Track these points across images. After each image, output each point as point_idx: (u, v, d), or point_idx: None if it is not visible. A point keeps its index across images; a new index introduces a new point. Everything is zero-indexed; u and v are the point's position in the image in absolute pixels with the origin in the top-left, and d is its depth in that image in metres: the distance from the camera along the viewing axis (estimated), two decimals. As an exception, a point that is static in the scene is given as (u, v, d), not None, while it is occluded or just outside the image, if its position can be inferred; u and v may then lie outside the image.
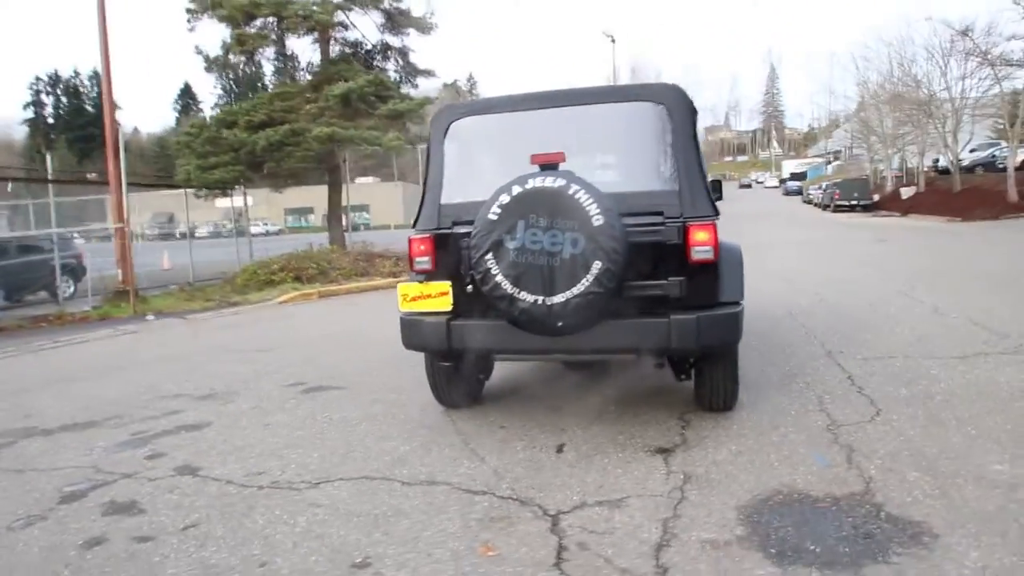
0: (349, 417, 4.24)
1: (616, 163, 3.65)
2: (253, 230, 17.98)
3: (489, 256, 3.21)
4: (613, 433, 3.67)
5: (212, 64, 13.85)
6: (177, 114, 79.34)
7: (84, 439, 4.15)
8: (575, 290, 3.13)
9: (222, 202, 16.40)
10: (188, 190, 13.41)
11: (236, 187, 13.63)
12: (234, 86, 51.82)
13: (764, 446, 3.37)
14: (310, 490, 3.14)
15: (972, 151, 30.61)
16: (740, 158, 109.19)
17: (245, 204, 14.53)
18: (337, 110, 12.60)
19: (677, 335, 3.26)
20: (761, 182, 76.31)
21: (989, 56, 22.08)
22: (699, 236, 3.28)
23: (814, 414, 3.79)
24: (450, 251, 3.58)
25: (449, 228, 3.61)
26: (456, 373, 4.05)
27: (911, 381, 4.29)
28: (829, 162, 64.32)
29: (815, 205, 39.12)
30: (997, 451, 3.13)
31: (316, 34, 13.99)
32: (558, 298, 3.15)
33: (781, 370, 4.72)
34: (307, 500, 3.02)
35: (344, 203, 15.28)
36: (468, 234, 3.50)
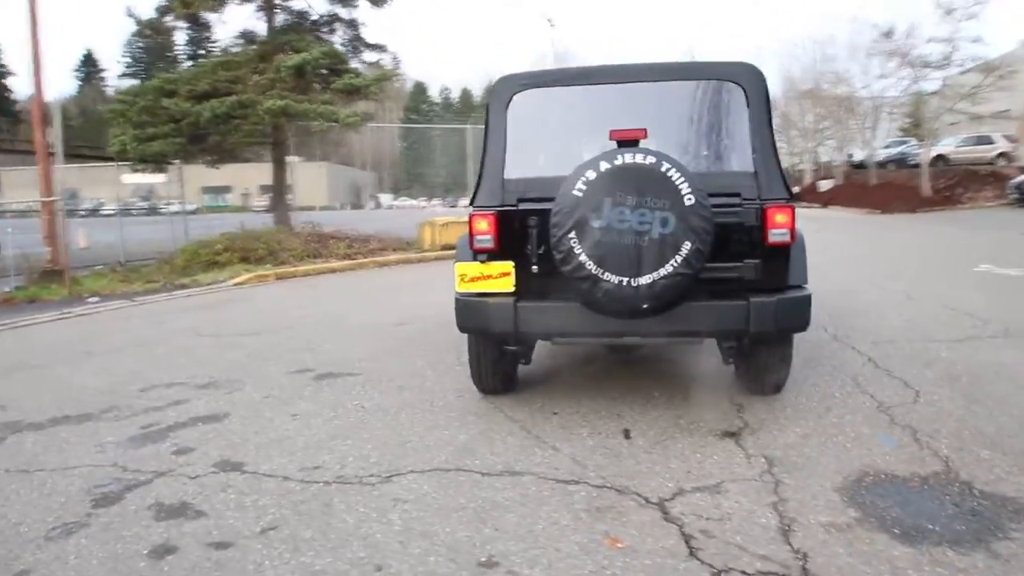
0: (384, 405, 4.00)
1: (692, 142, 3.57)
2: (168, 209, 16.81)
3: (572, 235, 3.07)
4: (672, 418, 3.62)
5: (145, 27, 12.81)
6: (80, 83, 73.72)
7: (86, 434, 3.74)
8: (663, 271, 3.04)
9: (130, 178, 15.25)
10: (123, 163, 12.41)
11: (176, 161, 12.73)
12: (145, 55, 48.48)
13: (827, 428, 3.41)
14: (384, 484, 2.93)
15: (885, 147, 32.59)
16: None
17: (182, 180, 13.57)
18: (289, 82, 11.94)
19: (756, 318, 3.24)
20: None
21: (908, 57, 23.44)
22: (777, 218, 3.25)
23: (858, 396, 3.87)
24: (515, 229, 3.41)
25: (514, 205, 3.43)
26: (501, 358, 3.89)
27: (929, 363, 4.46)
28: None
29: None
30: (1049, 429, 3.28)
31: (261, 0, 13.20)
32: (645, 279, 3.05)
33: (800, 355, 4.79)
34: (388, 495, 2.82)
35: (288, 181, 14.58)
36: (535, 211, 3.35)
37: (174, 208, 15.34)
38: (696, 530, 2.48)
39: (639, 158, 3.04)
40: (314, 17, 14.34)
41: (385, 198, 65.90)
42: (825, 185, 34.08)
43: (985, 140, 27.79)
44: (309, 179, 51.57)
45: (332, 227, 13.67)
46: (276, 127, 12.58)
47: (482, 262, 3.46)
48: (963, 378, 4.11)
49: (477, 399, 4.05)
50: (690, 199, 3.01)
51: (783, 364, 3.71)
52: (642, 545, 2.38)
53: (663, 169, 3.02)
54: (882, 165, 30.62)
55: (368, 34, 14.81)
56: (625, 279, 3.06)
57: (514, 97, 3.55)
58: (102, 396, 4.43)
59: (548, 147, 3.65)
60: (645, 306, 3.14)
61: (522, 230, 3.40)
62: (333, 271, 11.22)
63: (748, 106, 3.39)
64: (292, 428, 3.68)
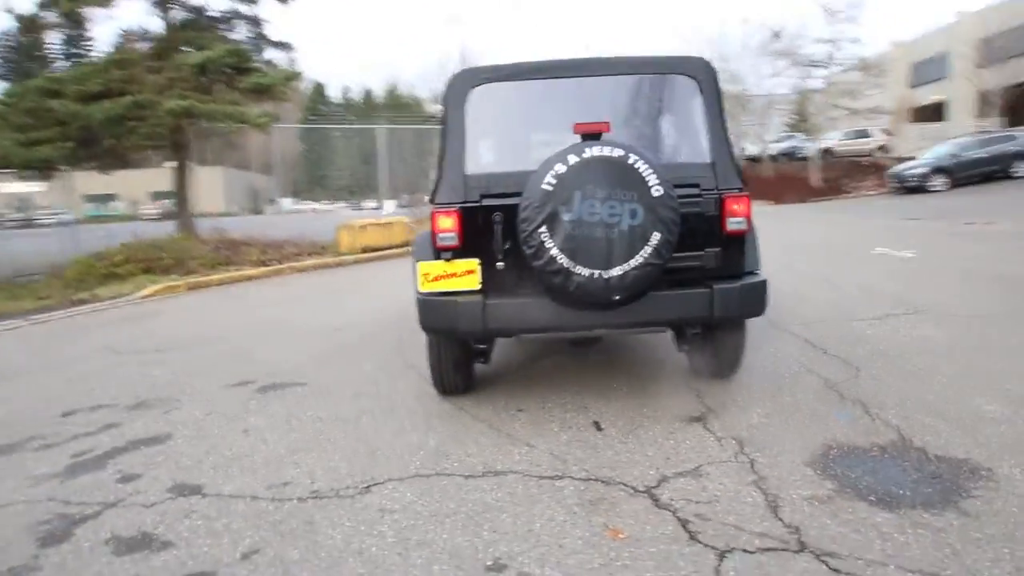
0: (341, 414, 3.84)
1: (650, 135, 3.62)
2: (47, 220, 15.47)
3: (543, 229, 3.05)
4: (637, 407, 3.68)
5: (26, 24, 11.70)
6: (-70, 83, 66.55)
7: (12, 467, 3.37)
8: (632, 262, 3.07)
9: (4, 187, 13.99)
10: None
11: (64, 167, 11.72)
12: (16, 54, 44.46)
13: (784, 407, 3.56)
14: (364, 496, 2.80)
15: (776, 142, 34.59)
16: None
17: (68, 188, 12.48)
18: (191, 81, 11.26)
19: (720, 304, 3.33)
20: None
21: (796, 57, 24.99)
22: (735, 208, 3.36)
23: (805, 375, 4.06)
24: (479, 226, 3.36)
25: (477, 201, 3.37)
26: (463, 358, 3.83)
27: (859, 341, 4.75)
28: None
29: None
30: (978, 392, 3.57)
31: (154, -6, 12.38)
32: (616, 271, 3.07)
33: (741, 338, 5.00)
34: (372, 506, 2.70)
35: (188, 186, 13.76)
36: (499, 207, 3.31)
37: (59, 217, 14.16)
38: (690, 514, 2.52)
39: (607, 151, 3.05)
40: (212, 13, 13.61)
41: (285, 202, 63.55)
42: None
43: (864, 134, 30.09)
44: (204, 184, 48.98)
45: (239, 233, 13.02)
46: (177, 129, 11.84)
47: (447, 260, 3.38)
48: (891, 353, 4.40)
49: (438, 401, 3.96)
50: (658, 190, 3.06)
51: (738, 348, 3.84)
52: (642, 534, 2.40)
53: (631, 161, 3.05)
54: (774, 159, 32.52)
55: (272, 32, 14.20)
56: (597, 271, 3.07)
57: (472, 91, 3.48)
58: (21, 425, 4.01)
59: (508, 142, 3.61)
60: (617, 297, 3.16)
61: (486, 226, 3.35)
62: (249, 279, 10.70)
63: (702, 98, 3.48)
64: (247, 445, 3.46)
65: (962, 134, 25.20)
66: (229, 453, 3.36)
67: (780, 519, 2.45)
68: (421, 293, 3.44)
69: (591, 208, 3.05)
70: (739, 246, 3.46)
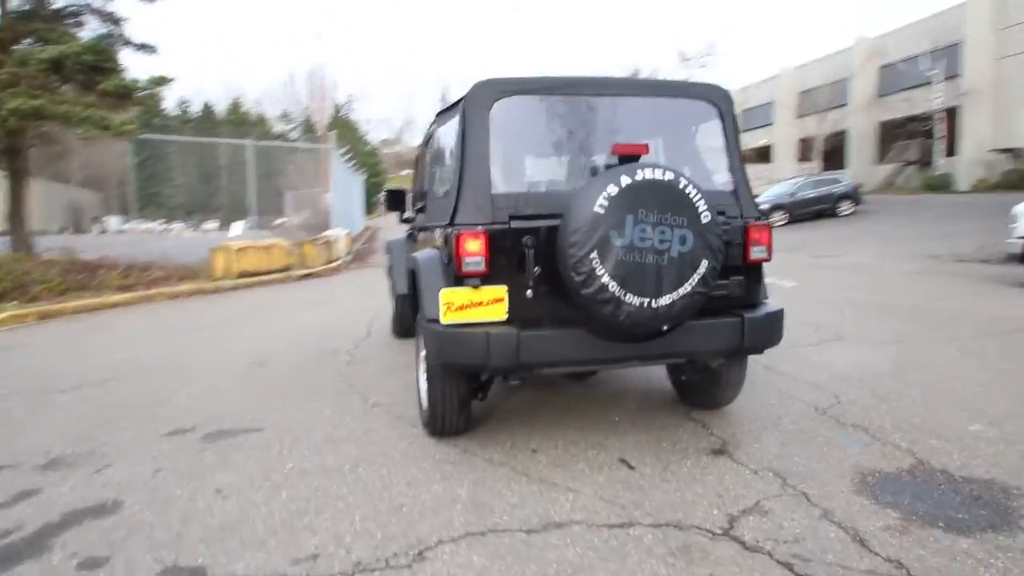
0: (329, 464, 3.34)
1: (675, 160, 3.53)
2: None
3: (594, 255, 2.85)
4: (652, 441, 3.55)
5: None
6: None
7: (-96, 561, 2.54)
8: (682, 290, 2.96)
9: None
10: None
11: None
12: None
13: (793, 436, 3.60)
14: (422, 563, 2.40)
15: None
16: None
17: None
18: (40, 79, 9.74)
19: (751, 334, 3.30)
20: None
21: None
22: (757, 236, 3.36)
23: (790, 402, 4.16)
24: (507, 250, 3.08)
25: (506, 223, 3.10)
26: (467, 395, 3.50)
27: (813, 367, 4.98)
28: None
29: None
30: (955, 412, 3.82)
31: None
32: (665, 299, 2.94)
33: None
34: (439, 576, 2.31)
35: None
36: (530, 229, 3.07)
37: None
38: (787, 555, 2.41)
39: (659, 173, 2.93)
40: (59, 5, 11.98)
41: (113, 221, 57.44)
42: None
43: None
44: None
45: (93, 254, 11.43)
46: (17, 132, 10.19)
47: (475, 287, 3.06)
48: (853, 377, 4.64)
49: (433, 444, 3.58)
50: (706, 216, 2.98)
51: (742, 377, 3.84)
52: (758, 582, 2.24)
53: (681, 185, 2.94)
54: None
55: (133, 31, 12.76)
56: (646, 300, 2.92)
57: (495, 104, 3.22)
58: None
59: (534, 160, 3.38)
60: (664, 327, 3.02)
61: (515, 251, 3.09)
62: (114, 306, 9.35)
63: (722, 126, 3.47)
64: (233, 509, 2.88)
65: (795, 176, 28.28)
66: (215, 521, 2.77)
67: (876, 554, 2.40)
68: (442, 324, 3.08)
69: (642, 233, 2.90)
70: (758, 275, 3.47)
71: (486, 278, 3.08)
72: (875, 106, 34.83)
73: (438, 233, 3.49)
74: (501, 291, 3.09)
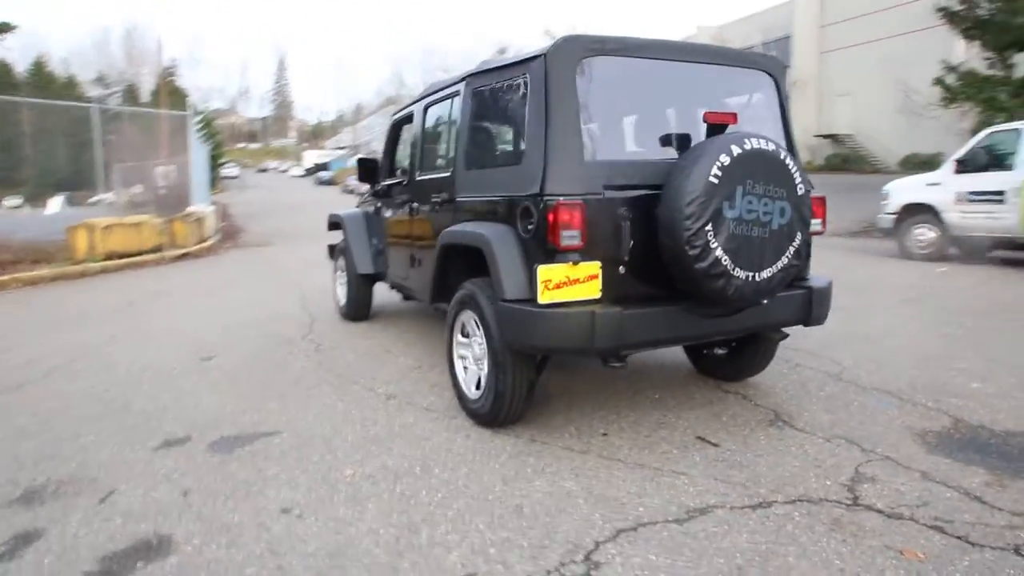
0: (393, 468, 2.96)
1: (745, 128, 3.43)
2: None
3: (709, 227, 2.73)
4: (711, 416, 3.53)
5: None
6: None
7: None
8: (780, 263, 2.93)
9: None
10: None
11: None
12: None
13: (830, 402, 3.73)
14: (600, 570, 2.17)
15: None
16: (252, 145, 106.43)
17: None
18: None
19: (817, 305, 3.34)
20: (284, 170, 76.41)
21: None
22: (816, 208, 3.39)
23: (801, 370, 4.31)
24: (601, 223, 2.86)
25: (599, 193, 2.87)
26: (535, 379, 3.25)
27: (794, 334, 5.21)
28: (354, 154, 68.31)
29: (357, 195, 41.17)
30: (951, 373, 4.16)
31: None
32: (766, 272, 2.90)
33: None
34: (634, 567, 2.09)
35: None
36: (626, 200, 2.88)
37: None
38: (930, 519, 2.47)
39: (762, 143, 2.85)
40: None
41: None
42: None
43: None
44: None
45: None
46: None
47: (574, 263, 2.82)
48: (839, 344, 4.88)
49: (491, 436, 3.30)
50: (801, 188, 2.96)
51: (774, 349, 3.90)
52: (931, 550, 2.27)
53: (782, 156, 2.89)
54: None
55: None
56: (752, 273, 2.86)
57: (580, 64, 2.95)
58: None
59: (619, 125, 3.14)
60: (764, 301, 2.97)
61: (609, 223, 2.88)
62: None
63: (779, 97, 3.46)
64: (322, 531, 2.44)
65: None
66: (311, 548, 2.33)
67: (1000, 508, 2.53)
68: (539, 303, 2.81)
69: (749, 205, 2.82)
70: (809, 248, 3.52)
71: (583, 253, 2.85)
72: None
73: (502, 204, 3.16)
74: (595, 267, 2.87)
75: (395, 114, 5.05)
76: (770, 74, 3.46)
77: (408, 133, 4.71)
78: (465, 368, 3.55)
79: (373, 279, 5.69)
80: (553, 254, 2.83)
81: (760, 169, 2.83)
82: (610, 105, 3.05)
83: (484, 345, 3.25)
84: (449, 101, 3.88)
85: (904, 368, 4.29)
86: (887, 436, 3.23)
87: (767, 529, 2.40)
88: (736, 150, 2.77)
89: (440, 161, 4.08)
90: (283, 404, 3.82)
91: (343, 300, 6.06)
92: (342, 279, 6.12)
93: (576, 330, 2.82)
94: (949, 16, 14.99)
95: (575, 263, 2.82)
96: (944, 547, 2.28)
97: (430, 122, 4.28)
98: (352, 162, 65.53)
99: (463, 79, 3.69)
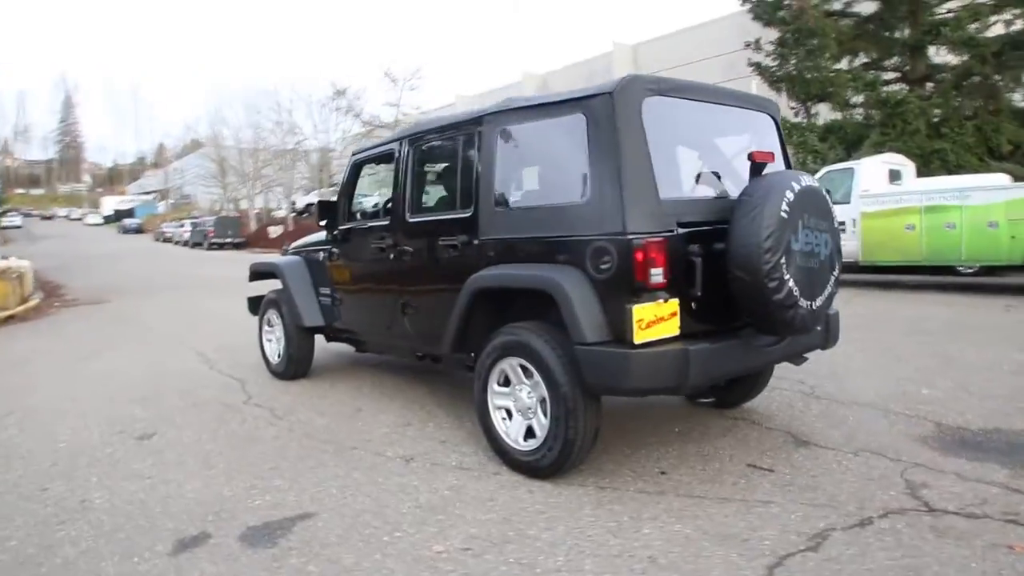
0: (485, 536, 2.69)
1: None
2: None
3: (783, 260, 2.86)
4: (737, 443, 3.65)
5: None
6: None
7: None
8: (826, 292, 3.15)
9: None
10: None
11: None
12: None
13: (828, 419, 4.02)
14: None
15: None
16: (35, 191, 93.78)
17: None
18: None
19: (833, 329, 3.59)
20: (78, 218, 68.14)
21: (360, 115, 26.53)
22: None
23: (777, 392, 4.60)
24: (678, 260, 2.89)
25: (673, 230, 2.89)
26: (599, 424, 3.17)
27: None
28: (163, 199, 62.77)
29: (177, 243, 37.82)
30: (900, 381, 4.67)
31: None
32: (819, 300, 3.09)
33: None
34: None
35: None
36: (698, 237, 2.95)
37: None
38: (1000, 515, 2.72)
39: (810, 181, 3.06)
40: None
41: None
42: (276, 231, 35.05)
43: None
44: None
45: None
46: None
47: (664, 301, 2.80)
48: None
49: (552, 488, 3.13)
50: (836, 221, 3.19)
51: (770, 374, 4.13)
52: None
53: (824, 192, 3.11)
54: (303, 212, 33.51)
55: None
56: (811, 302, 3.03)
57: (644, 102, 2.97)
58: None
59: (675, 163, 3.17)
60: (817, 328, 3.14)
61: (683, 260, 2.91)
62: None
63: (779, 135, 3.72)
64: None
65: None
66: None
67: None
68: (633, 346, 2.74)
69: (807, 238, 3.01)
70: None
71: (665, 291, 2.84)
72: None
73: (562, 244, 3.06)
74: (675, 304, 2.87)
75: (357, 154, 4.72)
76: (771, 115, 3.73)
77: (384, 173, 4.43)
78: (505, 419, 3.35)
79: (316, 332, 5.23)
80: (639, 293, 2.79)
81: (811, 204, 3.03)
82: (666, 144, 3.11)
83: (542, 392, 3.10)
84: (457, 139, 3.72)
85: (860, 382, 4.74)
86: (900, 445, 3.54)
87: (891, 544, 2.51)
88: (796, 187, 2.95)
89: (448, 201, 3.88)
90: (290, 481, 3.33)
91: (276, 357, 5.47)
92: (273, 334, 5.53)
93: (671, 369, 2.80)
94: (760, 69, 17.23)
95: (664, 301, 2.81)
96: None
97: (425, 161, 4.06)
98: (160, 207, 60.11)
99: (478, 117, 3.56)
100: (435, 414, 4.38)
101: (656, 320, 2.80)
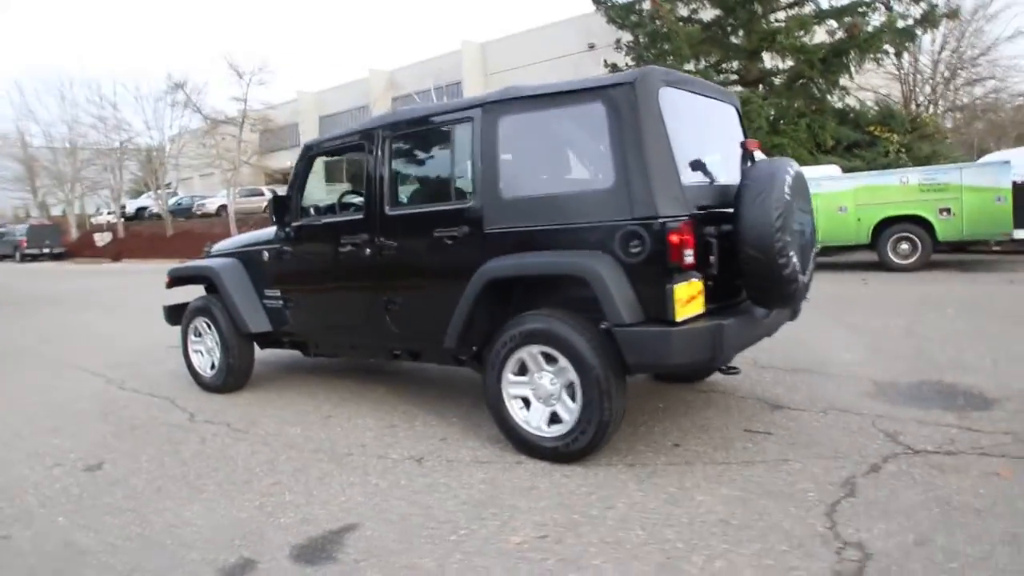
0: (550, 522, 2.69)
1: (727, 152, 3.79)
2: None
3: (789, 238, 3.14)
4: (726, 415, 3.92)
5: None
6: None
7: None
8: (811, 266, 3.48)
9: None
10: None
11: None
12: None
13: (793, 385, 4.43)
14: (863, 549, 2.36)
15: (135, 199, 32.52)
16: None
17: None
18: None
19: (799, 310, 3.95)
20: None
21: (202, 111, 24.53)
22: None
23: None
24: (700, 242, 3.06)
25: (694, 214, 3.06)
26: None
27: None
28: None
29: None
30: (823, 350, 5.24)
31: None
32: (807, 275, 3.41)
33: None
34: None
35: None
36: (714, 219, 3.16)
37: None
38: (970, 449, 3.19)
39: (796, 166, 3.35)
40: None
41: None
42: (103, 239, 31.53)
43: (257, 192, 31.69)
44: None
45: None
46: None
47: (698, 279, 2.96)
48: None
49: (584, 470, 3.19)
50: (813, 204, 3.54)
51: None
52: (1003, 468, 2.95)
53: (806, 176, 3.44)
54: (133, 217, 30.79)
55: None
56: (805, 277, 3.33)
57: (660, 92, 3.10)
58: None
59: (684, 151, 3.29)
60: (808, 299, 3.46)
61: (703, 242, 3.09)
62: None
63: (741, 125, 4.02)
64: (588, 598, 2.16)
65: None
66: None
67: (995, 431, 3.39)
68: (675, 323, 2.88)
69: (799, 218, 3.31)
70: None
71: (694, 271, 3.00)
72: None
73: (588, 230, 3.11)
74: (701, 284, 3.05)
75: (313, 145, 4.42)
76: (735, 107, 4.03)
77: (350, 166, 4.20)
78: (523, 407, 3.35)
79: (259, 338, 4.86)
80: (672, 274, 2.93)
81: (801, 188, 3.34)
82: (676, 132, 3.26)
83: (568, 377, 3.15)
84: (449, 128, 3.63)
85: (789, 351, 5.24)
86: (856, 401, 3.99)
87: (908, 483, 2.85)
88: (792, 172, 3.23)
89: (442, 192, 3.76)
90: (303, 495, 3.10)
91: (210, 369, 5.00)
92: (202, 344, 5.05)
93: (707, 343, 2.96)
94: (615, 70, 18.23)
95: (697, 280, 2.96)
96: (1003, 463, 2.99)
97: (407, 151, 3.90)
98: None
99: (475, 106, 3.50)
100: (413, 413, 4.25)
101: (689, 299, 2.96)
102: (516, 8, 63.60)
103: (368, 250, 3.96)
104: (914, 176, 9.82)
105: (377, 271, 3.95)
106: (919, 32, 15.77)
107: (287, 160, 42.27)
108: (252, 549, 2.62)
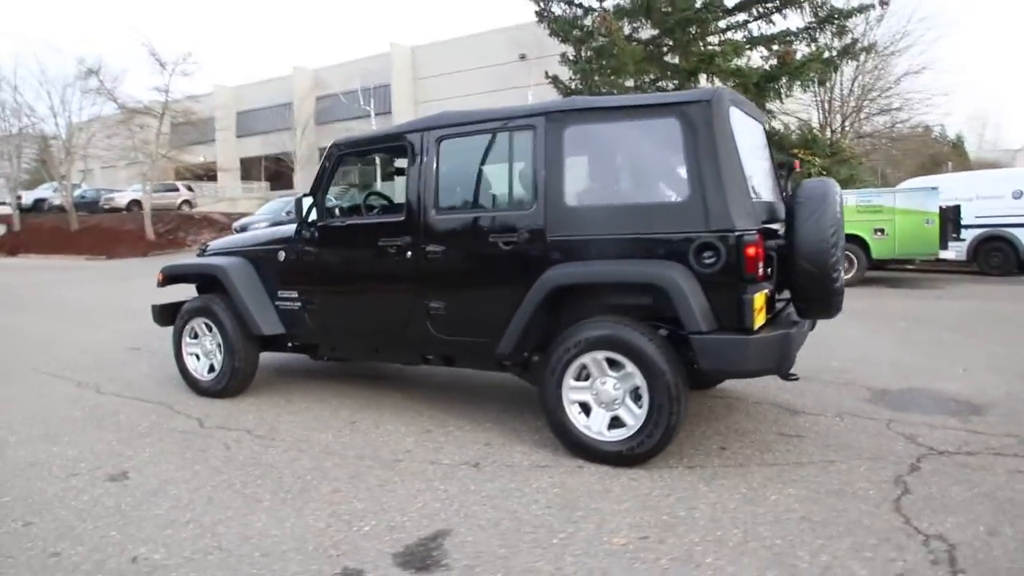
0: (643, 523, 2.77)
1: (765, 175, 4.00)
2: None
3: (839, 253, 3.36)
4: (751, 420, 4.12)
5: None
6: None
7: None
8: (843, 276, 3.72)
9: None
10: None
11: None
12: None
13: (802, 390, 4.70)
14: (944, 541, 2.57)
15: (55, 190, 30.21)
16: None
17: None
18: None
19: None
20: None
21: (117, 100, 23.01)
22: None
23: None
24: (766, 255, 3.24)
25: (761, 228, 3.23)
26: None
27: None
28: None
29: None
30: (811, 357, 5.57)
31: None
32: (842, 284, 3.66)
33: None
34: None
35: None
36: (775, 234, 3.34)
37: None
38: (986, 450, 3.52)
39: (837, 185, 3.60)
40: None
41: None
42: (-4, 231, 28.92)
43: (172, 188, 30.06)
44: None
45: None
46: None
47: (767, 290, 3.13)
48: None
49: (647, 474, 3.29)
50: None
51: None
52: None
53: (842, 193, 3.69)
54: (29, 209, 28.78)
55: None
56: (843, 286, 3.58)
57: (730, 111, 3.25)
58: None
59: (748, 168, 3.42)
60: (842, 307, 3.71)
61: (767, 255, 3.26)
62: None
63: (768, 143, 4.25)
64: (720, 595, 2.25)
65: (280, 195, 28.64)
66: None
67: (996, 433, 3.74)
68: (752, 332, 3.02)
69: (841, 232, 3.54)
70: None
71: (763, 283, 3.17)
72: (315, 132, 37.49)
73: (662, 241, 3.21)
74: (766, 295, 3.21)
75: (342, 144, 4.29)
76: (762, 124, 4.24)
77: (383, 166, 4.12)
78: (580, 412, 3.41)
79: (269, 341, 4.67)
80: (747, 285, 3.08)
81: (841, 204, 3.57)
82: (742, 150, 3.41)
83: (633, 383, 3.24)
84: (507, 136, 3.64)
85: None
86: (861, 406, 4.30)
87: (952, 480, 3.11)
88: (838, 191, 3.47)
89: (498, 199, 3.75)
90: (372, 502, 3.03)
91: (208, 373, 4.75)
92: (199, 347, 4.79)
93: (777, 351, 3.13)
94: (556, 82, 18.57)
95: (767, 291, 3.13)
96: (1021, 463, 3.31)
97: (457, 156, 3.86)
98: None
99: (538, 114, 3.54)
100: (440, 419, 4.21)
101: (760, 308, 3.12)
102: (444, 14, 63.61)
103: (410, 253, 3.90)
104: (851, 198, 10.58)
105: (419, 275, 3.89)
106: (839, 63, 16.96)
107: (201, 155, 40.37)
108: (350, 558, 2.55)
